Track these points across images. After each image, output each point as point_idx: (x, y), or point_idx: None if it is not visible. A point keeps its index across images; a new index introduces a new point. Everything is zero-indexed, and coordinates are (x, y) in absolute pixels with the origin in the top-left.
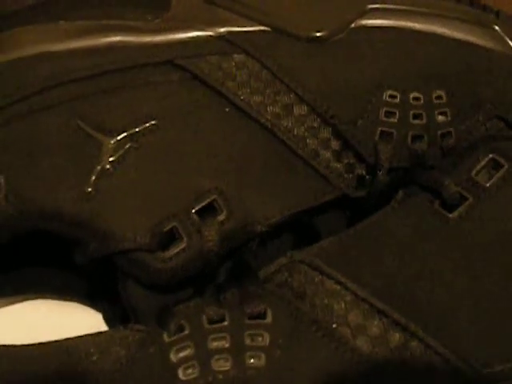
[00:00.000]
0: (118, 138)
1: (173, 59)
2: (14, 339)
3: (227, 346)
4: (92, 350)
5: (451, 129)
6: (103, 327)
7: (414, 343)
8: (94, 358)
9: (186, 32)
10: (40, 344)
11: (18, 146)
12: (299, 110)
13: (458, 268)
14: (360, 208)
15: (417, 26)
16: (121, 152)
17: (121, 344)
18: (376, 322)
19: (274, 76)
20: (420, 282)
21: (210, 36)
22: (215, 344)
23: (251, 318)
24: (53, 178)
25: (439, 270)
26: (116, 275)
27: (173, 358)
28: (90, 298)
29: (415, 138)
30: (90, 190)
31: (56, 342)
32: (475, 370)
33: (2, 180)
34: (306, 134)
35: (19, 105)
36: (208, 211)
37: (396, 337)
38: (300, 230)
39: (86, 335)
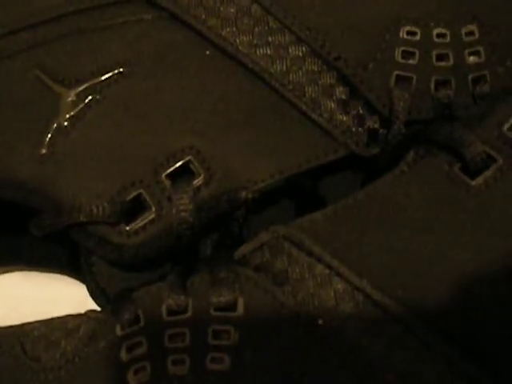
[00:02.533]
0: (79, 89)
1: None
2: None
3: (186, 344)
4: (38, 341)
5: (485, 72)
6: (89, 300)
7: (413, 339)
8: (37, 352)
9: None
10: None
11: None
12: (296, 51)
13: (478, 254)
14: (373, 169)
15: None
16: (81, 106)
17: (71, 336)
18: (374, 318)
19: (265, 11)
20: (432, 269)
21: None
22: (173, 342)
23: (218, 309)
24: (6, 139)
25: (454, 254)
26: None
27: (123, 356)
28: (74, 269)
29: (440, 83)
30: (44, 151)
31: (2, 328)
32: None
33: None
34: (305, 79)
35: None
36: (181, 175)
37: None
38: (302, 196)
39: (36, 322)
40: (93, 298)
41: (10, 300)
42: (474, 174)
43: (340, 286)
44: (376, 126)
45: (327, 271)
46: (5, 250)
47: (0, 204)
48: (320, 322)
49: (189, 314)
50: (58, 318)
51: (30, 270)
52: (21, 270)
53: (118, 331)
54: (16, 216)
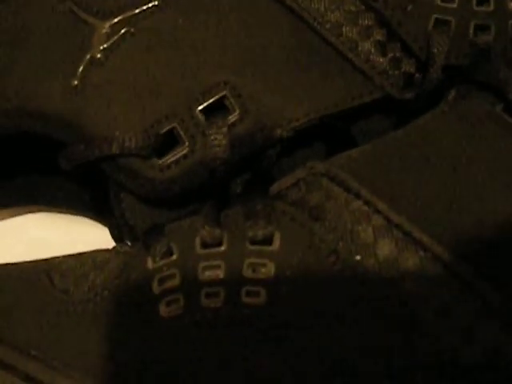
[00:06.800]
0: (113, 21)
1: None
2: (15, 255)
3: (221, 276)
4: (67, 274)
5: None
6: (111, 244)
7: (453, 279)
8: (66, 285)
9: None
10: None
11: (1, 32)
12: None
13: None
14: (408, 113)
15: None
16: (115, 38)
17: (100, 269)
18: (412, 256)
19: None
20: (471, 205)
21: None
22: (207, 274)
23: (254, 242)
24: (38, 70)
25: (492, 194)
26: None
27: (155, 288)
28: (96, 212)
29: (479, 28)
30: (76, 83)
31: (28, 262)
32: None
33: None
34: (342, 20)
35: None
36: (216, 110)
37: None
38: (334, 138)
39: (65, 256)
40: (115, 242)
41: (29, 242)
42: None
43: (378, 222)
44: (412, 69)
45: (365, 207)
46: (25, 191)
47: (23, 142)
48: (358, 257)
49: (224, 247)
50: (86, 252)
51: (49, 212)
52: (40, 211)
53: (150, 264)
54: (38, 156)
